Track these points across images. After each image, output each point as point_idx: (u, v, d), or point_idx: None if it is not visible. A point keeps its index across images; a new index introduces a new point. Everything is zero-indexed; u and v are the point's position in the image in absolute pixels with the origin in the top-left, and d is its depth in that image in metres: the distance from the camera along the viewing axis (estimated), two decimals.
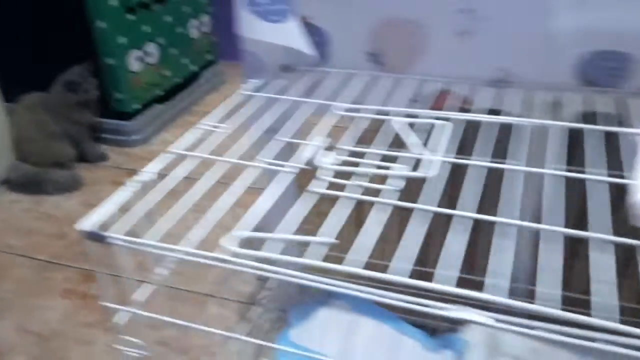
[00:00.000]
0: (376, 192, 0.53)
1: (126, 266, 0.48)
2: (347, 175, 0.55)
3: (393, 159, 0.57)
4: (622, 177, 0.52)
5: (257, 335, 1.00)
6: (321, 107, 0.68)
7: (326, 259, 0.45)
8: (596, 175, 0.53)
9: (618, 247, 0.46)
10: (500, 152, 0.59)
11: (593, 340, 0.38)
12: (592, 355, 0.93)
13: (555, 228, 0.47)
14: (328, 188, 0.54)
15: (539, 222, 0.48)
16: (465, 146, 0.60)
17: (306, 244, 0.46)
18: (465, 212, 0.49)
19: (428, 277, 0.42)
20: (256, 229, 0.48)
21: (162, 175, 0.55)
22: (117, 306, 0.51)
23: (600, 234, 0.46)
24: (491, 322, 0.38)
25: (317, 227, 0.48)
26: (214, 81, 2.22)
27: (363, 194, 0.53)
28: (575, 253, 0.55)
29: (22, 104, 1.69)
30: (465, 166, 0.56)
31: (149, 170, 0.55)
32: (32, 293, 1.24)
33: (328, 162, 0.56)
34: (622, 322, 0.39)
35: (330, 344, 0.95)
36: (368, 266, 0.44)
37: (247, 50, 0.80)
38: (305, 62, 0.79)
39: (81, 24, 1.63)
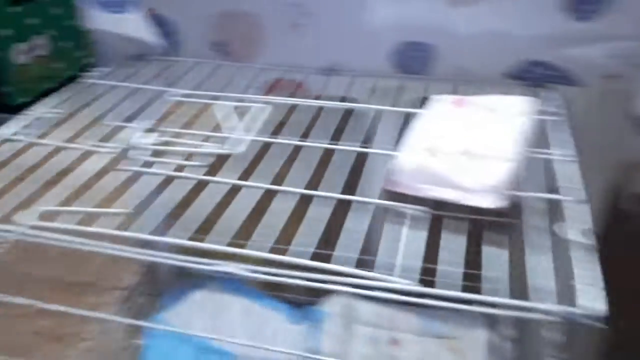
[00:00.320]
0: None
1: None
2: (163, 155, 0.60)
3: (209, 139, 0.62)
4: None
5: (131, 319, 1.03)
6: (158, 93, 0.72)
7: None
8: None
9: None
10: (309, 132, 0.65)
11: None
12: (437, 319, 1.02)
13: (328, 194, 0.54)
14: (142, 166, 0.58)
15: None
16: (283, 127, 0.66)
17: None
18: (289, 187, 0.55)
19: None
20: (62, 204, 0.52)
21: None
22: None
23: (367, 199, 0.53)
24: (244, 272, 0.44)
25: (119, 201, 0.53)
26: None
27: (175, 170, 0.58)
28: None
29: None
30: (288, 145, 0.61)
31: None
32: None
33: (146, 142, 0.61)
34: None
35: (200, 323, 0.99)
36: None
37: (96, 40, 0.83)
38: (154, 52, 0.82)
39: None
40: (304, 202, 0.54)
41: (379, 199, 0.53)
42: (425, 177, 0.51)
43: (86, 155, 0.60)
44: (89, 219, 0.51)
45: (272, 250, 0.47)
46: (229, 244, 0.47)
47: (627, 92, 0.71)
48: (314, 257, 0.47)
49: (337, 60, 0.78)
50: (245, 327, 1.01)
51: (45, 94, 0.79)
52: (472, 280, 0.45)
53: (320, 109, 0.68)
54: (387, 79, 0.76)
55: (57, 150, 0.60)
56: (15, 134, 0.63)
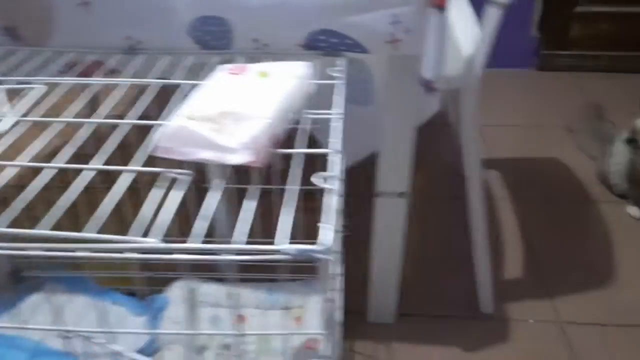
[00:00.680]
0: None
1: None
2: None
3: None
4: None
5: None
6: None
7: None
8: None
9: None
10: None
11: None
12: (281, 292, 1.04)
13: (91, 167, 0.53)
14: None
15: None
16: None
17: None
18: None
19: None
20: None
21: None
22: None
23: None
24: None
25: None
26: None
27: None
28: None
29: None
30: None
31: None
32: None
33: None
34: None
35: (38, 323, 0.94)
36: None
37: None
38: None
39: None
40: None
41: (147, 166, 0.54)
42: (185, 141, 0.51)
43: None
44: None
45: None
46: None
47: (412, 56, 0.77)
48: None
49: (137, 38, 0.77)
50: (86, 324, 0.97)
51: None
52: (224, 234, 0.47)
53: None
54: (188, 56, 0.76)
55: None
56: None
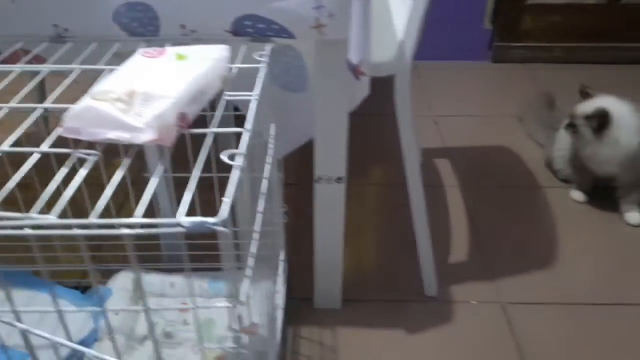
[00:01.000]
0: None
1: None
2: None
3: None
4: None
5: None
6: None
7: None
8: None
9: None
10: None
11: None
12: (222, 280, 1.04)
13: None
14: None
15: None
16: None
17: None
18: None
19: None
20: None
21: None
22: None
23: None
24: None
25: None
26: None
27: None
28: None
29: None
30: None
31: None
32: None
33: None
34: None
35: None
36: None
37: None
38: None
39: None
40: None
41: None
42: (92, 121, 0.52)
43: None
44: None
45: None
46: None
47: (339, 41, 0.78)
48: None
49: (63, 27, 0.77)
50: (27, 319, 0.97)
51: None
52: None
53: None
54: (116, 43, 0.76)
55: None
56: None
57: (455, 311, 1.11)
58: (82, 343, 0.95)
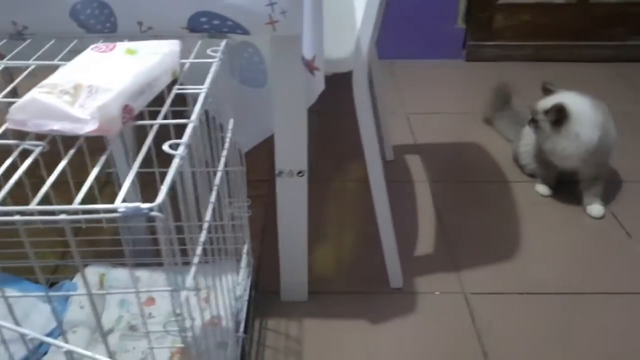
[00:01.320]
0: None
1: None
2: None
3: None
4: None
5: None
6: None
7: None
8: None
9: None
10: None
11: None
12: (189, 273, 1.05)
13: None
14: None
15: None
16: None
17: None
18: None
19: None
20: None
21: None
22: None
23: None
24: None
25: None
26: None
27: None
28: None
29: None
30: None
31: None
32: None
33: None
34: None
35: None
36: None
37: None
38: None
39: None
40: None
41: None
42: (37, 112, 0.53)
43: None
44: None
45: None
46: None
47: (293, 37, 0.81)
48: None
49: (22, 24, 0.78)
50: None
51: None
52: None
53: None
54: (73, 40, 0.77)
55: None
56: None
57: (419, 302, 1.13)
58: (48, 336, 0.96)
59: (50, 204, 0.49)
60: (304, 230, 1.03)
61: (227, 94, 0.90)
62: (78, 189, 0.50)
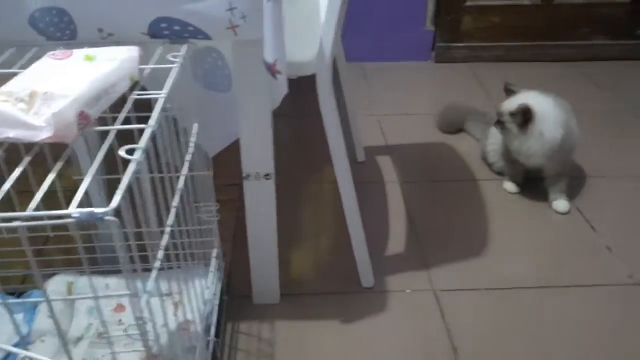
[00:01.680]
0: None
1: None
2: None
3: None
4: None
5: None
6: None
7: None
8: None
9: None
10: None
11: None
12: (162, 279, 1.04)
13: None
14: None
15: None
16: None
17: None
18: None
19: None
20: None
21: None
22: None
23: None
24: None
25: None
26: None
27: None
28: None
29: None
30: None
31: None
32: None
33: None
34: None
35: None
36: None
37: None
38: None
39: None
40: None
41: None
42: None
43: None
44: None
45: None
46: None
47: (254, 41, 0.81)
48: None
49: None
50: None
51: None
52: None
53: None
54: (34, 48, 0.77)
55: None
56: None
57: (391, 300, 1.15)
58: (15, 347, 0.95)
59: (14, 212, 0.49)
60: (273, 233, 1.04)
61: (192, 99, 0.90)
62: (46, 197, 0.51)
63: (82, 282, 1.02)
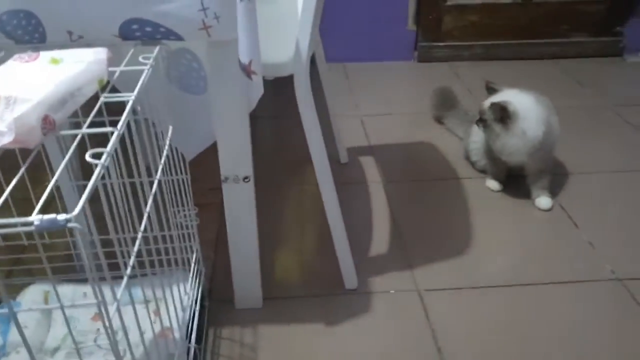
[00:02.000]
0: None
1: None
2: None
3: None
4: None
5: None
6: None
7: None
8: None
9: None
10: None
11: None
12: (138, 286, 1.02)
13: None
14: None
15: None
16: None
17: None
18: None
19: None
20: None
21: None
22: None
23: None
24: None
25: None
26: None
27: None
28: None
29: None
30: None
31: None
32: None
33: None
34: None
35: None
36: None
37: None
38: None
39: None
40: None
41: None
42: None
43: None
44: None
45: None
46: None
47: (229, 41, 0.80)
48: None
49: None
50: None
51: None
52: None
53: None
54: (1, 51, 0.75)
55: None
56: None
57: (374, 301, 1.14)
58: None
59: None
60: (254, 236, 1.03)
61: (166, 101, 0.89)
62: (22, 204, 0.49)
63: (61, 291, 1.00)
